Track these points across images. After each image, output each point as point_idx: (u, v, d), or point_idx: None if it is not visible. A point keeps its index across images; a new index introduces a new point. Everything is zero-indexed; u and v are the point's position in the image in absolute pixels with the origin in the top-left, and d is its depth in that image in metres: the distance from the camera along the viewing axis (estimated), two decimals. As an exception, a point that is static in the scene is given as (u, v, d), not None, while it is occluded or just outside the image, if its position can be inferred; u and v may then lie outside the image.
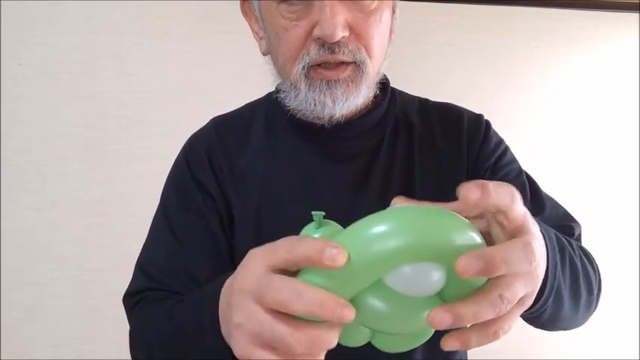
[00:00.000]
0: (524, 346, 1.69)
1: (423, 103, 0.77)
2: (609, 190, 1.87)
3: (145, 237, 0.74)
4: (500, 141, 0.75)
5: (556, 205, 0.73)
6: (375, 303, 0.37)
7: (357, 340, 0.41)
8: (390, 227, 0.34)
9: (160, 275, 0.67)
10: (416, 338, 0.42)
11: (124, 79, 1.63)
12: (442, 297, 0.39)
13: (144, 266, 0.70)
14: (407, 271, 0.35)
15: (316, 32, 0.59)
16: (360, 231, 0.35)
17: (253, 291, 0.37)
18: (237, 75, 1.63)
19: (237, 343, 0.38)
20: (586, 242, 0.69)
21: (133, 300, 0.68)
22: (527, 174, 0.75)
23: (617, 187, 1.87)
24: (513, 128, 1.78)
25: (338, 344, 0.38)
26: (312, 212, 0.41)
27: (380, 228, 0.34)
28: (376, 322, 0.38)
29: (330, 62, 0.61)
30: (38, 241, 1.62)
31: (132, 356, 0.65)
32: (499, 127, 0.78)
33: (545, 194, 0.74)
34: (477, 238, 0.36)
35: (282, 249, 0.36)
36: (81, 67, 1.61)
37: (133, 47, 1.63)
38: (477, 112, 0.78)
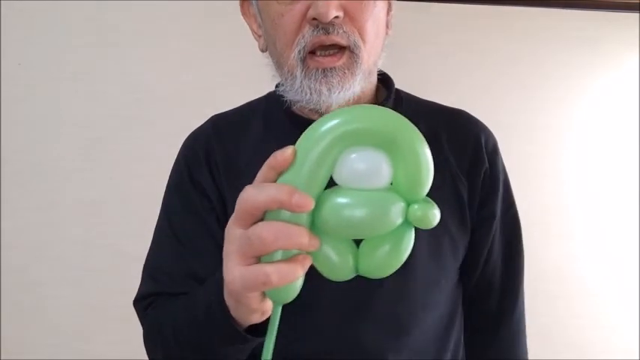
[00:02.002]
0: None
1: (430, 106, 0.77)
2: (609, 189, 1.86)
3: (145, 237, 0.75)
4: (504, 168, 0.75)
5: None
6: (339, 200, 0.40)
7: (342, 273, 0.44)
8: (336, 119, 0.40)
9: (166, 279, 0.69)
10: (397, 254, 0.43)
11: (124, 79, 1.63)
12: (397, 192, 0.42)
13: (150, 271, 0.72)
14: (354, 160, 0.40)
15: (311, 12, 0.60)
16: (310, 129, 0.41)
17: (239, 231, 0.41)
18: (237, 75, 1.63)
19: (230, 272, 0.42)
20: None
21: (143, 304, 0.70)
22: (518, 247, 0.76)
23: (618, 187, 1.87)
24: (513, 128, 1.78)
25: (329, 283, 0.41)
26: None
27: (326, 122, 0.40)
28: (346, 222, 0.40)
29: (325, 44, 0.61)
30: (38, 241, 1.62)
31: (149, 358, 0.67)
32: (499, 127, 0.78)
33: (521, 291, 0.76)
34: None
35: (241, 199, 0.41)
36: (81, 67, 1.61)
37: (133, 47, 1.63)
38: (477, 112, 0.77)
